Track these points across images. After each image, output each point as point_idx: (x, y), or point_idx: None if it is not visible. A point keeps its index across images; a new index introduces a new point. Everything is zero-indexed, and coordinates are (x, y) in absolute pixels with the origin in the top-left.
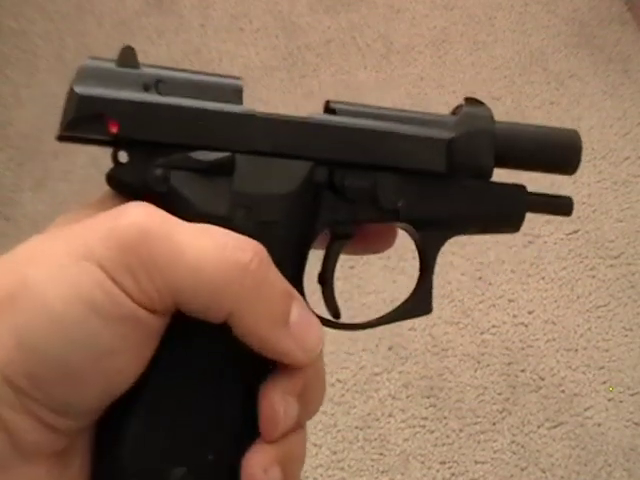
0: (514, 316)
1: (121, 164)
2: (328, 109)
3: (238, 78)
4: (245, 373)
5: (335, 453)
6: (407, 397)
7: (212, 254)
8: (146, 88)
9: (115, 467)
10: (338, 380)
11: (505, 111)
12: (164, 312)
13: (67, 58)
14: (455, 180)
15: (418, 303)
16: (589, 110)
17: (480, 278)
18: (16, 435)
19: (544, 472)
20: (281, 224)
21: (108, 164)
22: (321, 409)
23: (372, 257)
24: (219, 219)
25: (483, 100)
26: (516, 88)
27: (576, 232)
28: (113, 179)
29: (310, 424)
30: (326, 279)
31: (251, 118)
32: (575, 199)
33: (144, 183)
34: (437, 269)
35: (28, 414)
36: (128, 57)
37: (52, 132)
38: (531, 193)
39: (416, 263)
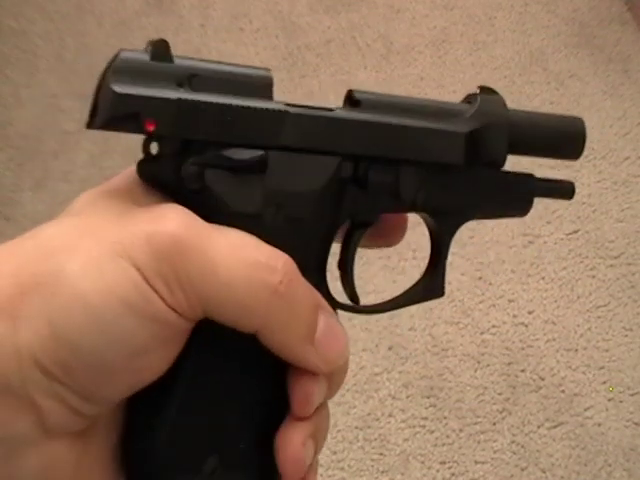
0: (514, 316)
1: (153, 157)
2: (352, 99)
3: (268, 70)
4: (274, 363)
5: (335, 453)
6: (407, 397)
7: (243, 273)
8: (180, 84)
9: (149, 452)
10: None
11: None
12: (193, 318)
13: (67, 58)
14: (471, 170)
15: (432, 287)
16: (589, 110)
17: (480, 278)
18: (43, 415)
19: (544, 472)
20: (309, 218)
21: (108, 164)
22: None
23: (372, 257)
24: (250, 217)
25: None
26: (516, 88)
27: (576, 232)
28: (145, 171)
29: None
30: (346, 266)
31: (284, 114)
32: (575, 199)
33: (178, 180)
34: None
35: (56, 398)
36: (162, 51)
37: (52, 132)
38: (538, 179)
39: (416, 263)
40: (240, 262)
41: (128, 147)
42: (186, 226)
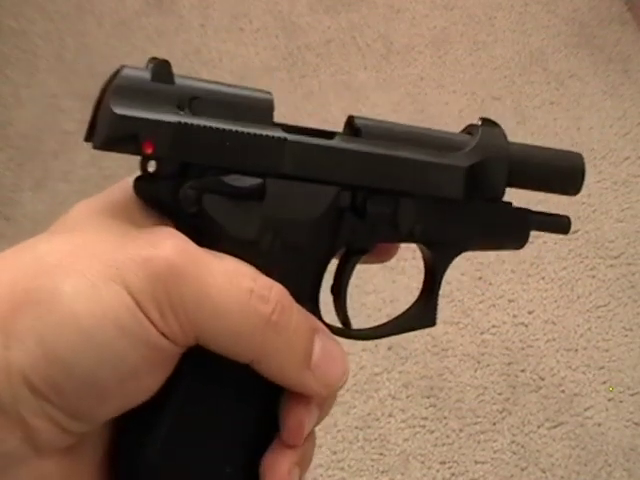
0: (514, 316)
1: (151, 175)
2: (352, 127)
3: (269, 93)
4: (267, 387)
5: (335, 453)
6: (407, 397)
7: (236, 302)
8: (180, 106)
9: (138, 470)
10: None
11: (505, 111)
12: (185, 345)
13: (67, 58)
14: (470, 203)
15: (424, 316)
16: (589, 110)
17: (480, 278)
18: (32, 433)
19: (544, 472)
20: (305, 246)
21: (108, 164)
22: None
23: None
24: (247, 243)
25: (483, 100)
26: (516, 88)
27: (576, 232)
28: (142, 189)
29: None
30: (340, 291)
31: (283, 142)
32: (575, 199)
33: (175, 202)
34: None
35: (44, 416)
36: (163, 71)
37: (52, 132)
38: (534, 213)
39: (416, 263)
40: (234, 292)
41: None
42: (181, 252)
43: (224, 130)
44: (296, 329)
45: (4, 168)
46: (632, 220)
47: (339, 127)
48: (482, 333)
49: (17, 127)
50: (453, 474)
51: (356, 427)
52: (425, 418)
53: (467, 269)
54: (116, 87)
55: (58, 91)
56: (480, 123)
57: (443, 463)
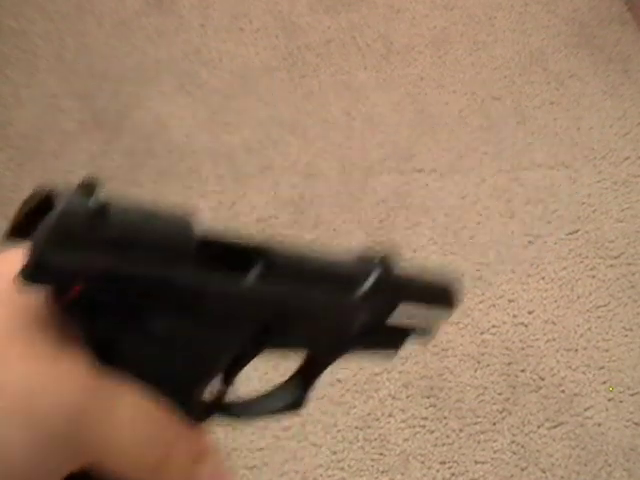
0: (514, 316)
1: (66, 304)
2: (266, 259)
3: (190, 215)
4: None
5: (335, 453)
6: (407, 397)
7: (132, 450)
8: (111, 248)
9: None
10: (338, 380)
11: (505, 111)
12: (82, 467)
13: (67, 58)
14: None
15: (294, 401)
16: (589, 110)
17: (480, 278)
18: None
19: (544, 472)
20: (204, 375)
21: (108, 165)
22: (321, 409)
23: None
24: (152, 378)
25: (483, 100)
26: (516, 88)
27: (576, 232)
28: (60, 307)
29: (310, 424)
30: (229, 379)
31: (204, 291)
32: (575, 199)
33: (86, 329)
34: (437, 269)
35: None
36: (100, 213)
37: (52, 132)
38: (409, 330)
39: (415, 263)
40: (133, 440)
41: (128, 147)
42: (91, 397)
43: (150, 278)
44: (183, 464)
45: (4, 168)
46: (632, 220)
47: (338, 127)
48: (482, 333)
49: (17, 127)
50: (453, 474)
51: (356, 427)
52: (425, 418)
53: (467, 269)
54: (52, 228)
55: (58, 91)
56: (379, 259)
57: (443, 463)
